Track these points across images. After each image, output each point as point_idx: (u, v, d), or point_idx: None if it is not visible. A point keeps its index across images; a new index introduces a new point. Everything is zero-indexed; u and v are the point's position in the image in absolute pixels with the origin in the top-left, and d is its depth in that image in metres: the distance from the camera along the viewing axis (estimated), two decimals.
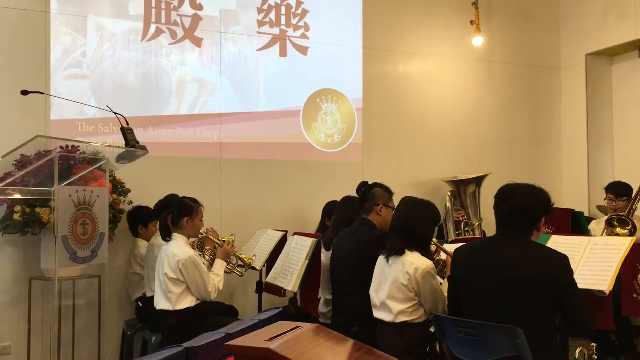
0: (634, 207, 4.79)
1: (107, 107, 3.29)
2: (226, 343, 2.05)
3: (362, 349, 2.27)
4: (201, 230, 3.98)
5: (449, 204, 5.49)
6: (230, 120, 5.09)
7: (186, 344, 2.44)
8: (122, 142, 3.34)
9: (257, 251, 4.51)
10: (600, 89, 6.13)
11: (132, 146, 3.12)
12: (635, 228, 4.57)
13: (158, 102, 4.88)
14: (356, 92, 5.58)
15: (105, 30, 4.75)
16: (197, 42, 5.02)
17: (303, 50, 5.40)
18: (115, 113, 3.20)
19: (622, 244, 3.01)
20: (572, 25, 6.24)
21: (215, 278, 3.71)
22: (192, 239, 3.94)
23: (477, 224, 5.50)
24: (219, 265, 3.81)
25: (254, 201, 5.16)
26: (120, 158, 3.23)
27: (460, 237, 5.12)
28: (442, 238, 5.27)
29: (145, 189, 4.60)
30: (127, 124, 3.20)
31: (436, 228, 5.48)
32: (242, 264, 4.11)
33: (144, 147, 3.23)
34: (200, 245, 4.06)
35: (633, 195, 4.80)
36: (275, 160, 5.25)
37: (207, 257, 3.90)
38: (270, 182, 5.24)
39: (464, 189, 5.49)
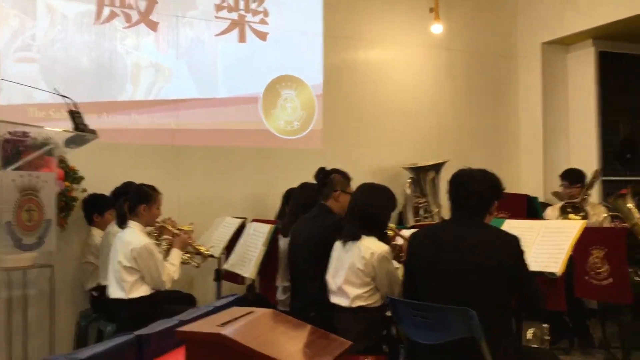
0: (587, 193, 4.91)
1: (54, 90, 3.17)
2: (177, 329, 2.01)
3: (316, 333, 2.27)
4: (158, 219, 3.90)
5: (408, 191, 5.53)
6: (188, 106, 5.00)
7: (138, 332, 2.39)
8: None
9: (216, 239, 4.45)
10: (556, 78, 6.24)
11: (80, 130, 3.03)
12: (587, 214, 4.68)
13: (112, 87, 4.76)
14: (316, 79, 5.55)
15: (56, 12, 4.59)
16: (153, 26, 4.91)
17: (262, 36, 5.34)
18: (64, 96, 3.09)
19: (573, 228, 3.08)
20: (529, 14, 6.33)
21: (171, 268, 3.64)
22: (148, 228, 3.86)
23: (436, 210, 5.55)
24: (175, 254, 3.75)
25: (213, 189, 5.09)
26: (70, 142, 3.13)
27: (419, 224, 5.16)
28: (402, 224, 5.30)
29: (100, 176, 4.49)
30: (76, 107, 3.09)
31: (396, 214, 5.59)
32: (199, 254, 4.04)
33: (93, 131, 3.13)
34: (157, 235, 3.98)
35: (587, 182, 4.91)
36: (234, 147, 5.18)
37: (163, 246, 3.83)
38: (229, 169, 5.18)
39: (423, 176, 5.53)
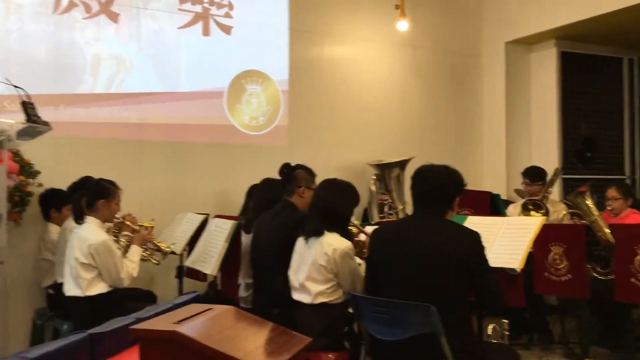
0: (548, 191, 4.98)
1: (6, 81, 3.06)
2: (130, 327, 1.95)
3: (276, 330, 2.24)
4: (118, 215, 3.82)
5: (373, 188, 5.53)
6: (150, 100, 4.90)
7: (91, 330, 2.32)
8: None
9: (178, 235, 4.38)
10: (519, 77, 6.32)
11: (33, 121, 2.93)
12: (548, 212, 4.76)
13: (71, 79, 4.63)
14: (282, 74, 5.51)
15: (12, 1, 4.44)
16: (114, 17, 4.79)
17: (227, 29, 5.26)
18: (16, 87, 2.98)
19: (533, 224, 3.11)
20: (493, 13, 6.39)
21: (130, 265, 3.56)
22: (107, 224, 3.77)
23: (401, 207, 5.56)
24: (135, 251, 3.67)
25: (176, 185, 5.01)
26: (22, 134, 3.02)
27: (384, 220, 5.17)
28: (367, 221, 5.30)
29: (58, 171, 4.37)
30: (29, 98, 2.99)
31: (361, 211, 5.59)
32: (159, 250, 3.97)
33: (46, 123, 3.03)
34: (117, 231, 3.90)
35: (548, 180, 4.99)
36: (198, 142, 5.11)
37: (122, 242, 3.74)
38: (193, 165, 5.10)
39: (388, 173, 5.54)
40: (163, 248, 3.93)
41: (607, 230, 3.83)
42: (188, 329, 1.88)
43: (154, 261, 3.97)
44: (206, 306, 2.21)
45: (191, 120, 5.08)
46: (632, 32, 5.79)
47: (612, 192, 4.51)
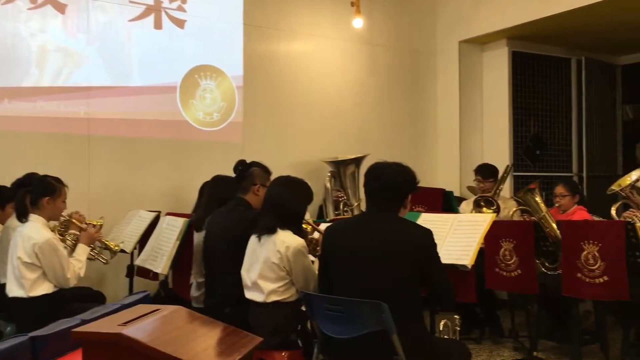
0: (499, 188, 5.08)
1: None
2: (72, 330, 1.88)
3: (226, 330, 2.19)
4: (64, 213, 3.69)
5: (329, 185, 5.52)
6: (100, 94, 4.76)
7: (34, 333, 2.23)
8: None
9: (129, 233, 4.28)
10: (472, 76, 6.42)
11: None
12: (499, 208, 4.84)
13: (15, 72, 4.45)
14: (237, 70, 5.43)
15: None
16: (61, 8, 4.62)
17: (180, 23, 5.16)
18: None
19: (483, 221, 3.15)
20: (447, 12, 6.47)
21: (76, 264, 3.45)
22: (53, 223, 3.64)
23: (356, 204, 5.57)
24: (82, 250, 3.55)
25: (127, 181, 4.89)
26: None
27: (339, 217, 5.16)
28: (322, 218, 5.29)
29: (1, 167, 4.20)
30: None
31: (316, 208, 5.58)
32: (108, 249, 3.86)
33: None
34: (63, 230, 3.77)
35: (499, 177, 5.08)
36: (150, 138, 4.99)
37: (68, 241, 3.62)
38: (144, 161, 4.98)
39: (343, 170, 5.54)
40: (112, 246, 3.83)
41: (555, 226, 3.92)
42: (134, 331, 1.82)
43: (103, 260, 3.86)
44: (154, 307, 2.15)
45: (143, 116, 4.96)
46: (581, 33, 5.96)
47: (559, 189, 4.63)
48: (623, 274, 3.32)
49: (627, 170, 4.33)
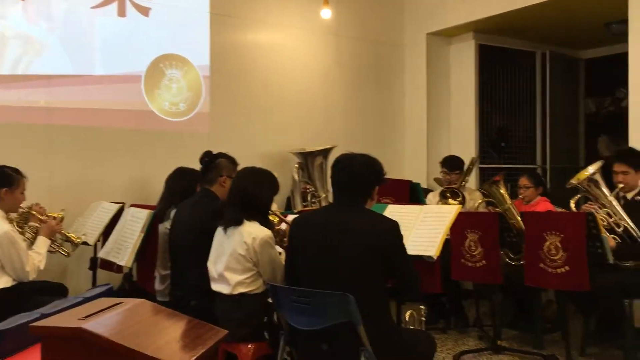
0: (465, 180, 5.14)
1: None
2: (31, 324, 1.83)
3: (191, 323, 2.16)
4: (23, 205, 3.60)
5: (296, 176, 5.49)
6: (61, 83, 4.63)
7: None
8: None
9: (91, 225, 4.19)
10: (440, 68, 6.46)
11: None
12: (465, 200, 4.90)
13: None
14: (203, 60, 5.35)
15: None
16: None
17: (144, 11, 5.04)
18: None
19: (449, 212, 3.17)
20: (415, 4, 6.48)
21: (36, 257, 3.37)
22: (12, 215, 3.55)
23: (324, 195, 5.57)
24: (42, 243, 3.48)
25: (90, 172, 4.78)
26: None
27: (306, 209, 5.15)
28: (290, 209, 5.27)
29: None
30: None
31: (284, 200, 5.55)
32: (69, 241, 3.78)
33: None
34: (22, 222, 3.67)
35: (465, 169, 5.13)
36: (113, 128, 4.89)
37: (28, 234, 3.53)
38: (108, 152, 4.88)
39: (311, 161, 5.53)
40: (73, 239, 3.75)
41: (519, 218, 3.98)
42: (95, 325, 1.78)
43: (64, 252, 3.78)
44: (116, 300, 2.10)
45: (106, 105, 4.85)
46: (545, 27, 6.04)
47: (523, 181, 4.70)
48: (583, 264, 3.39)
49: (589, 162, 4.42)
